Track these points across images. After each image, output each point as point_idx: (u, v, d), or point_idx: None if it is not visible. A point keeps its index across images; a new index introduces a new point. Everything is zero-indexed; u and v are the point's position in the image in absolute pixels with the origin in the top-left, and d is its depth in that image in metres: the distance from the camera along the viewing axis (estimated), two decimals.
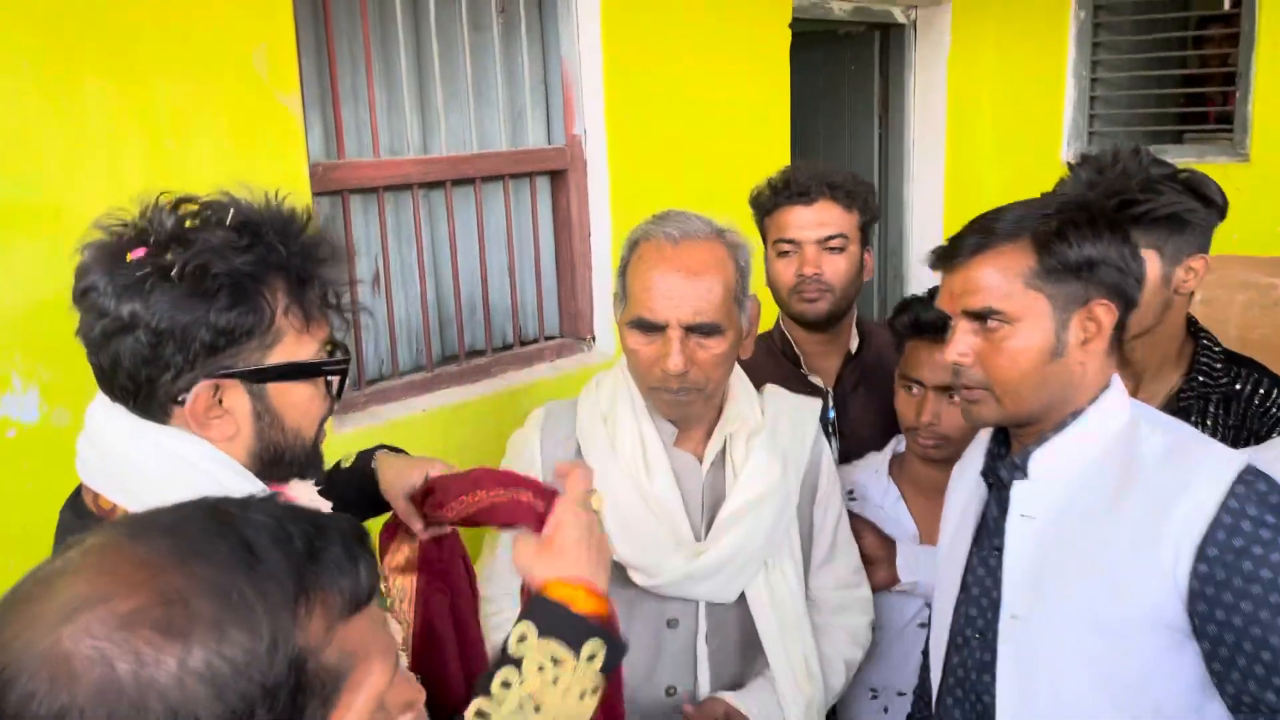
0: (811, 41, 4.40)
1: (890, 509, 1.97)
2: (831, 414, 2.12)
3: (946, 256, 1.35)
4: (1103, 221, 1.32)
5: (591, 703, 1.06)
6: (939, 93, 4.37)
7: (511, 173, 2.81)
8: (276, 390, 1.12)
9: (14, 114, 1.81)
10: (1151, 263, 1.52)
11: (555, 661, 1.05)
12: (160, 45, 1.98)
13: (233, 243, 1.07)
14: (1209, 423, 1.62)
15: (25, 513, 1.79)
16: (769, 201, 2.09)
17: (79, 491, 1.17)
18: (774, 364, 2.15)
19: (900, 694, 1.91)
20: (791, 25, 3.51)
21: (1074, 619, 1.29)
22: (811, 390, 2.07)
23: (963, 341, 1.34)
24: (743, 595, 1.62)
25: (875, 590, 1.84)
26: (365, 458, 1.48)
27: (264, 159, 2.16)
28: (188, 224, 1.09)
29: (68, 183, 1.89)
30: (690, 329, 1.51)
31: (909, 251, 4.52)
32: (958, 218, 4.96)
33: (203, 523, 0.68)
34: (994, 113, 4.39)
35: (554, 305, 3.02)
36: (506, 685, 1.03)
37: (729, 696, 1.60)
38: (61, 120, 1.87)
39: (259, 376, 1.10)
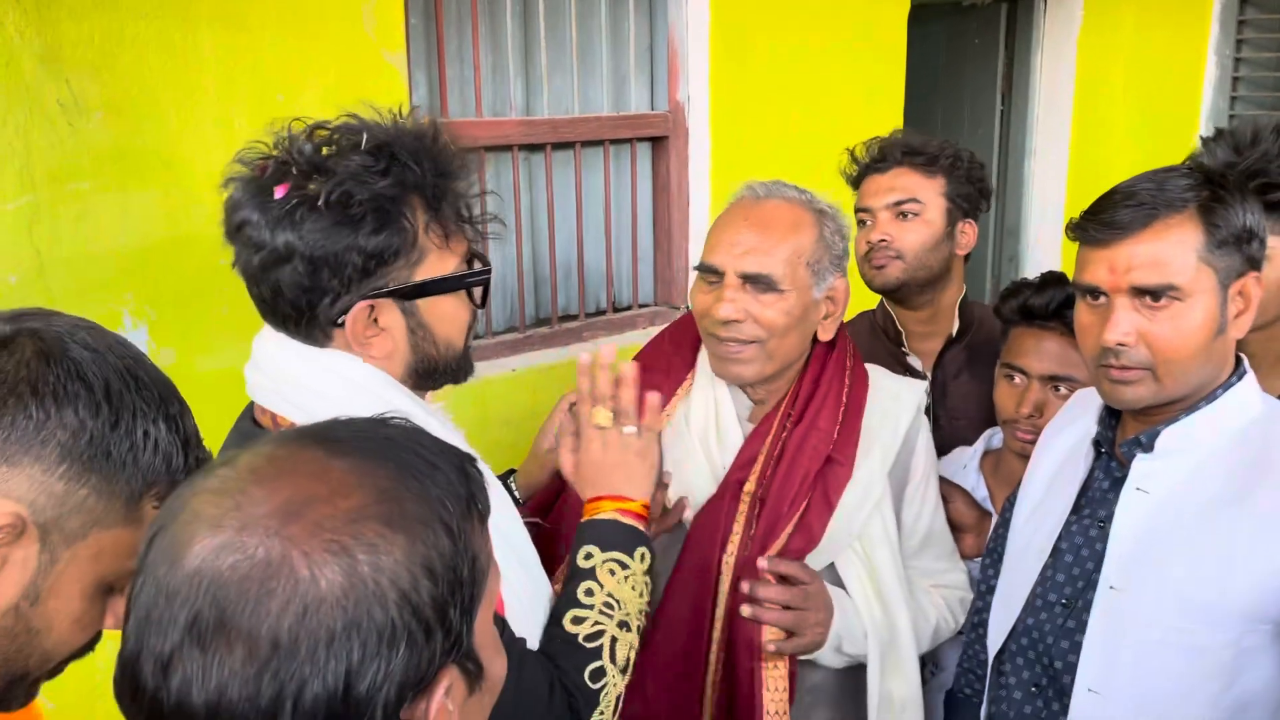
0: (933, 14, 4.26)
1: None
2: (927, 399, 2.03)
3: (1109, 228, 1.27)
4: (1247, 191, 1.29)
5: (645, 597, 1.30)
6: (1068, 69, 4.17)
7: (612, 138, 2.81)
8: (426, 305, 1.19)
9: (133, 65, 1.90)
10: None
11: (621, 565, 1.29)
12: (273, 1, 2.04)
13: (370, 167, 1.11)
14: None
15: None
16: (852, 174, 2.06)
17: (250, 411, 1.26)
18: (874, 341, 2.09)
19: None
20: None
21: (1173, 598, 1.26)
22: (908, 372, 2.00)
23: (1126, 320, 1.27)
24: (832, 564, 1.57)
25: (963, 558, 1.78)
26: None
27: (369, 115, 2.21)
28: (324, 151, 1.13)
29: (180, 132, 1.97)
30: (746, 278, 1.47)
31: (1027, 233, 4.35)
32: (1082, 200, 4.72)
33: (378, 435, 0.71)
34: (1126, 91, 4.18)
35: (649, 272, 3.02)
36: (590, 593, 1.26)
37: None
38: (177, 72, 1.95)
39: (409, 294, 1.16)
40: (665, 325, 2.88)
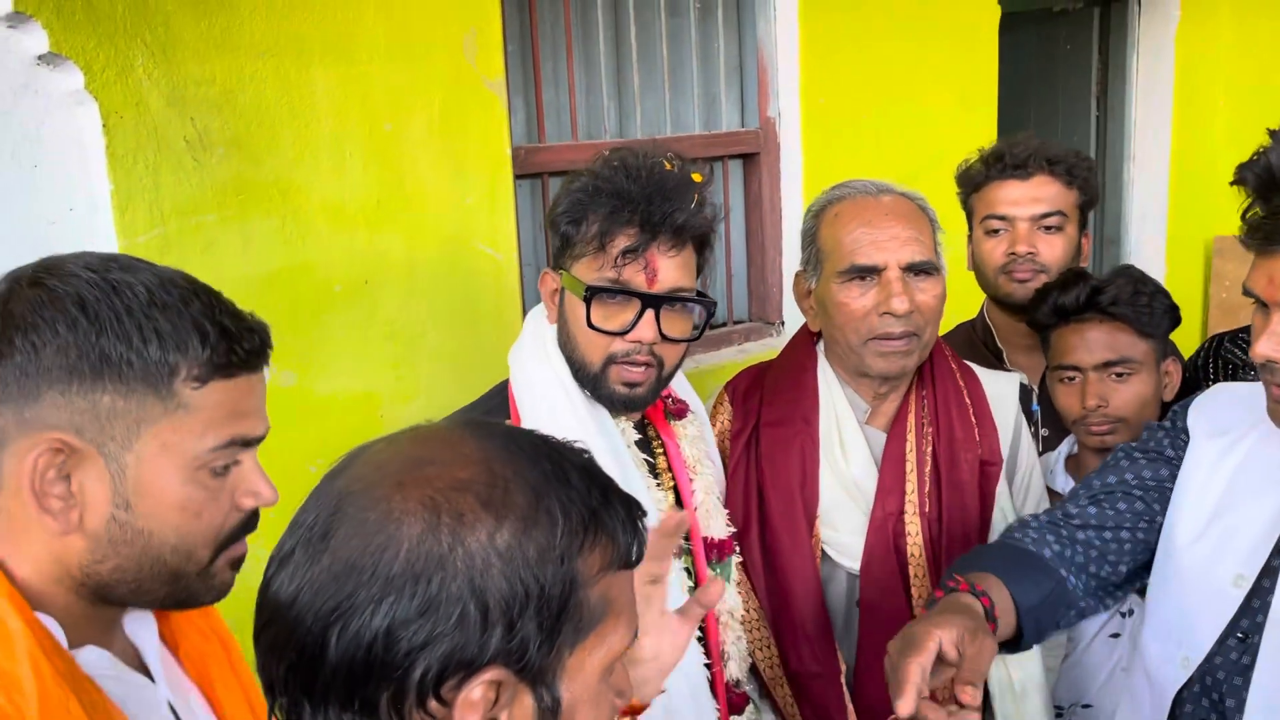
0: (1023, 21, 4.21)
1: None
2: (1035, 408, 2.00)
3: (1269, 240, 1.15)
4: None
5: None
6: (1166, 70, 4.07)
7: (704, 156, 2.83)
8: (569, 297, 1.40)
9: (251, 100, 1.98)
10: None
11: None
12: (380, 34, 2.12)
13: (604, 175, 1.37)
14: None
15: None
16: (979, 175, 1.99)
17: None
18: (973, 355, 2.04)
19: (1085, 706, 1.80)
20: (1001, 3, 3.37)
21: None
22: None
23: None
24: None
25: None
26: None
27: (472, 142, 2.27)
28: (613, 163, 1.39)
29: (296, 162, 2.05)
30: (908, 268, 1.49)
31: (1128, 240, 4.24)
32: (1184, 207, 4.59)
33: (532, 438, 0.76)
34: (1228, 92, 4.05)
35: (743, 289, 3.03)
36: None
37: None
38: (292, 105, 2.03)
39: (566, 280, 1.40)
40: (759, 340, 2.91)
